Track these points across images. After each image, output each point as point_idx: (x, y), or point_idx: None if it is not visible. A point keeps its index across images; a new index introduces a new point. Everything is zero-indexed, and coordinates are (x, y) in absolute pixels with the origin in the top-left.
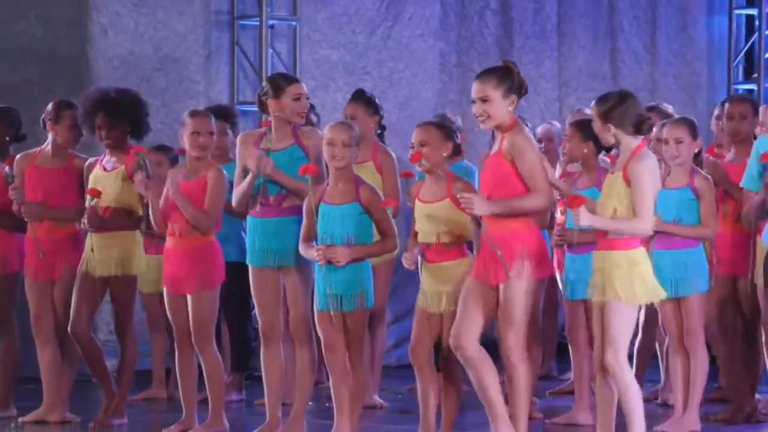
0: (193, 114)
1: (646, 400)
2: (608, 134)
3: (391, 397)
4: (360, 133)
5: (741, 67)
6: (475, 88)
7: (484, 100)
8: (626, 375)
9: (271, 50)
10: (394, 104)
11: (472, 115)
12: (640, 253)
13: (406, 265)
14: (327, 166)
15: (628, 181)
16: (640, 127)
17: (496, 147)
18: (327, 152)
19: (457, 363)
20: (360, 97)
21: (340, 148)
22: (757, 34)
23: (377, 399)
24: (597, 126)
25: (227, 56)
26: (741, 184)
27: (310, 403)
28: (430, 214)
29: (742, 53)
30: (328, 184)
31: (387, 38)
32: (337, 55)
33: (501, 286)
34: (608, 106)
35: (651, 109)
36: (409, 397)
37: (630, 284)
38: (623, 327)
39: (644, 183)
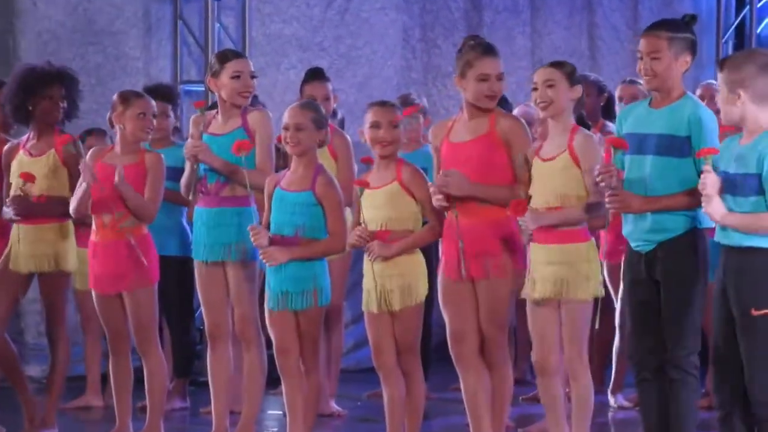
0: (137, 94)
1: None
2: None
3: (350, 404)
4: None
5: (731, 44)
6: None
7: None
8: (589, 377)
9: (218, 24)
10: (352, 84)
11: (438, 96)
12: (592, 245)
13: (352, 240)
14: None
15: (576, 161)
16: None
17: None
18: (282, 135)
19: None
20: (320, 75)
21: (292, 132)
22: (748, 7)
23: (334, 406)
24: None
25: (169, 30)
26: None
27: (261, 410)
28: (376, 199)
29: (732, 28)
30: (289, 169)
31: (344, 12)
32: (290, 30)
33: (483, 284)
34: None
35: (631, 82)
36: (369, 403)
37: (587, 279)
38: (585, 326)
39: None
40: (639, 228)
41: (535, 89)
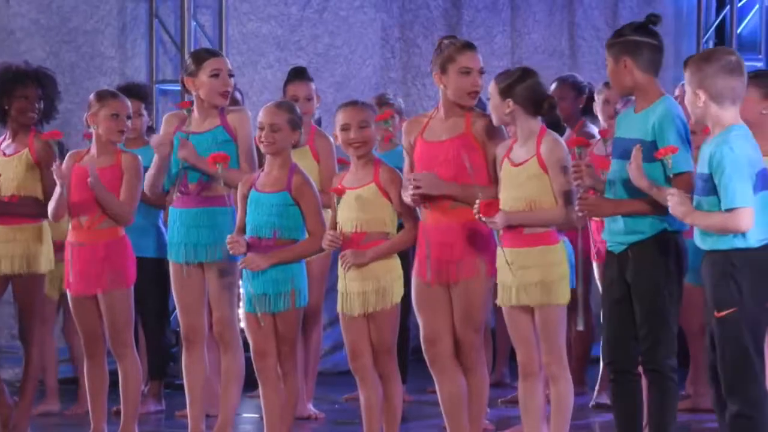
0: (113, 95)
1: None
2: (505, 110)
3: (327, 406)
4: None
5: (711, 43)
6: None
7: None
8: (568, 379)
9: (194, 22)
10: (330, 83)
11: (417, 96)
12: (562, 248)
13: (324, 245)
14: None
15: (544, 167)
16: (539, 108)
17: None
18: (257, 135)
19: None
20: (303, 74)
21: (267, 132)
22: (729, 7)
23: (312, 409)
24: (494, 101)
25: (145, 29)
26: None
27: (238, 414)
28: (352, 200)
29: (713, 28)
30: (263, 170)
31: (323, 10)
32: (267, 29)
33: (457, 286)
34: (509, 82)
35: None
36: (347, 406)
37: (560, 282)
38: (561, 328)
39: (568, 165)
40: (612, 229)
41: None
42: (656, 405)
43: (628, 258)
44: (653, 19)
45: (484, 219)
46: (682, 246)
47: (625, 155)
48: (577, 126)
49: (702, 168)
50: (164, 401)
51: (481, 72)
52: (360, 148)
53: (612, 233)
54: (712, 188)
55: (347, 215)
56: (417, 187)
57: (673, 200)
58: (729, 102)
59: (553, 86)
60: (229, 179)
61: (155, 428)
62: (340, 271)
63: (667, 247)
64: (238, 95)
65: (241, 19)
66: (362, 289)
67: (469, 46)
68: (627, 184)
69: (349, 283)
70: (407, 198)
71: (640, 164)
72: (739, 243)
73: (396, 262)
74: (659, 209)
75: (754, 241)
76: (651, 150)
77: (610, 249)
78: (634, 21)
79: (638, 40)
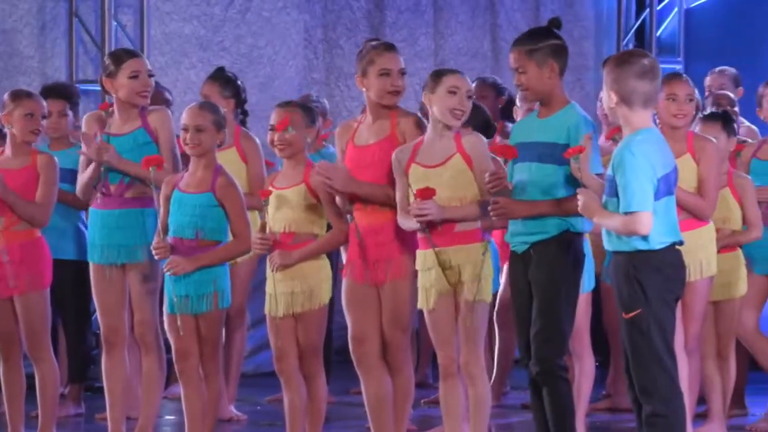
0: (28, 94)
1: None
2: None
3: (249, 408)
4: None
5: (631, 46)
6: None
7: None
8: (486, 378)
9: (115, 22)
10: (254, 84)
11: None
12: (486, 246)
13: (254, 248)
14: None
15: (469, 163)
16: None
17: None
18: (182, 137)
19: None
20: (217, 76)
21: (192, 133)
22: (648, 10)
23: (234, 411)
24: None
25: (64, 28)
26: None
27: (159, 416)
28: (281, 200)
29: (633, 31)
30: (187, 170)
31: (246, 11)
32: (190, 29)
33: (385, 287)
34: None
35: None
36: (269, 408)
37: (482, 281)
38: (482, 327)
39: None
40: (515, 230)
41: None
42: (551, 406)
43: (529, 258)
44: (557, 23)
45: (417, 204)
46: (581, 248)
47: (537, 158)
48: (498, 127)
49: (609, 169)
50: (84, 404)
51: (402, 72)
52: (284, 149)
53: (515, 234)
54: (616, 190)
55: (276, 215)
56: (328, 178)
57: (581, 199)
58: (640, 105)
59: (473, 85)
60: (160, 182)
61: (75, 431)
62: (269, 271)
63: (568, 247)
64: (167, 95)
65: (164, 19)
66: (290, 289)
67: (387, 48)
68: (536, 186)
69: (277, 284)
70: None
71: (588, 156)
72: (641, 245)
73: (325, 263)
74: (570, 211)
75: (655, 243)
76: (562, 152)
77: (513, 249)
78: (539, 26)
79: (562, 45)
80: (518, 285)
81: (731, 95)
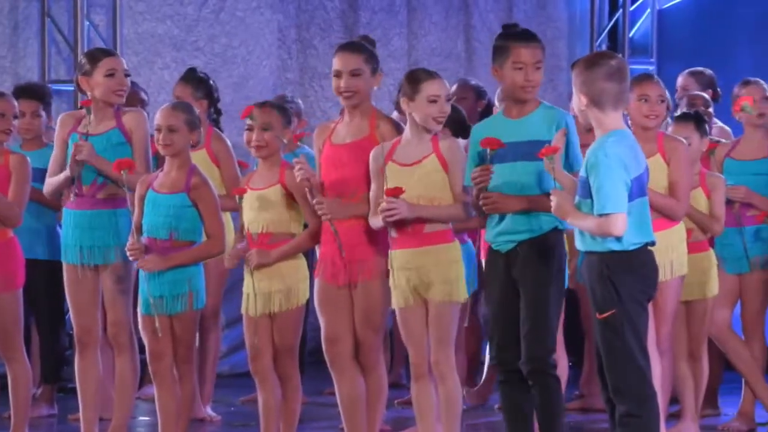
0: (0, 94)
1: None
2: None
3: (224, 409)
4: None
5: (604, 47)
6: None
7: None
8: (457, 378)
9: (88, 22)
10: (227, 84)
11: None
12: (456, 247)
13: (226, 265)
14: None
15: (444, 164)
16: None
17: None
18: (155, 137)
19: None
20: (189, 78)
21: (165, 134)
22: (621, 10)
23: (209, 411)
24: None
25: (37, 28)
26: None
27: (132, 417)
28: (258, 201)
29: (606, 31)
30: (162, 170)
31: (219, 11)
32: (163, 29)
33: (358, 287)
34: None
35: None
36: (243, 409)
37: (453, 281)
38: (452, 327)
39: (464, 161)
40: (501, 229)
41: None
42: (542, 404)
43: (516, 256)
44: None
45: (386, 201)
46: (564, 246)
47: (521, 157)
48: None
49: (582, 171)
50: (57, 405)
51: (353, 74)
52: (260, 150)
53: (500, 232)
54: (589, 191)
55: (253, 216)
56: (324, 214)
57: (554, 200)
58: (610, 106)
59: (454, 87)
60: (132, 184)
61: None
62: (246, 271)
63: (555, 245)
64: (143, 95)
65: (136, 18)
66: (268, 289)
67: (340, 48)
68: (524, 184)
69: (255, 284)
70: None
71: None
72: (614, 245)
73: (302, 263)
74: None
75: (628, 244)
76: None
77: (496, 248)
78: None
79: (494, 45)
80: (499, 284)
81: (706, 96)
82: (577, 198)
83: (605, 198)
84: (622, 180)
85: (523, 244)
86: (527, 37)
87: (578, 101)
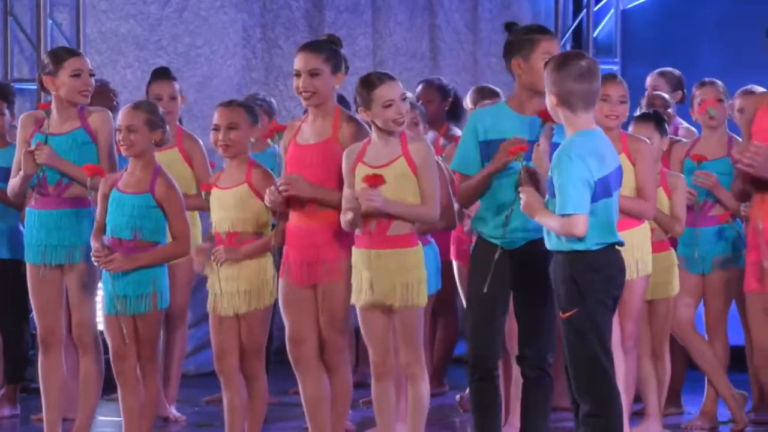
0: None
1: None
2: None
3: (188, 409)
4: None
5: (569, 47)
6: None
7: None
8: (427, 380)
9: (51, 21)
10: (191, 83)
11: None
12: (420, 250)
13: (195, 268)
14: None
15: (413, 167)
16: None
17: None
18: (117, 137)
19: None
20: (168, 74)
21: (125, 134)
22: (585, 10)
23: (173, 411)
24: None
25: None
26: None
27: (96, 417)
28: (225, 199)
29: (570, 31)
30: (126, 170)
31: (183, 9)
32: (126, 28)
33: (321, 288)
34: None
35: (479, 91)
36: (207, 409)
37: (418, 284)
38: (420, 329)
39: (434, 163)
40: (513, 225)
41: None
42: (538, 400)
43: (522, 254)
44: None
45: (366, 190)
46: None
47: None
48: (443, 129)
49: (549, 170)
50: (20, 405)
51: (311, 74)
52: (227, 149)
53: (514, 230)
54: (554, 191)
55: (220, 215)
56: (285, 190)
57: (523, 198)
58: (580, 107)
59: (419, 88)
60: (97, 187)
61: None
62: (213, 270)
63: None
64: (114, 98)
65: (99, 17)
66: (236, 289)
67: (301, 49)
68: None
69: (222, 283)
70: (267, 201)
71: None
72: (578, 246)
73: (269, 263)
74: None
75: (592, 244)
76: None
77: (495, 243)
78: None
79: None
80: (493, 280)
81: (666, 96)
82: (547, 197)
83: (566, 198)
84: (584, 181)
85: (534, 242)
86: (549, 31)
87: (549, 101)
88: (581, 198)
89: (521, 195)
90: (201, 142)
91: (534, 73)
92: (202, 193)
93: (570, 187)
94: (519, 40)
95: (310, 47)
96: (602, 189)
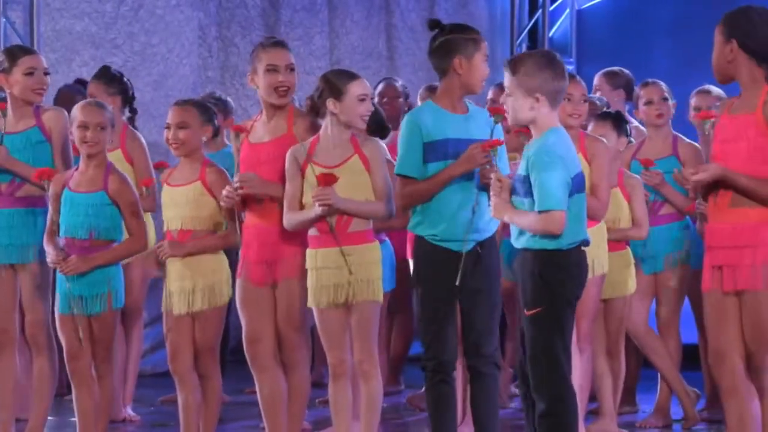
0: None
1: None
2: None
3: (144, 409)
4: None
5: (524, 46)
6: None
7: None
8: (380, 378)
9: (4, 19)
10: (147, 82)
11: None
12: (377, 247)
13: (146, 271)
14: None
15: (366, 165)
16: None
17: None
18: (77, 136)
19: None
20: (100, 75)
21: (94, 132)
22: (541, 10)
23: (129, 412)
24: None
25: None
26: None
27: (50, 418)
28: (176, 197)
29: (526, 31)
30: (77, 169)
31: (138, 8)
32: (81, 26)
33: (280, 286)
34: None
35: (430, 89)
36: (163, 409)
37: (374, 281)
38: (374, 326)
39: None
40: (461, 228)
41: None
42: (492, 395)
43: (477, 254)
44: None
45: (319, 189)
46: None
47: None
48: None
49: (521, 169)
50: None
51: (291, 68)
52: (177, 148)
53: (460, 231)
54: (528, 190)
55: (173, 213)
56: (241, 188)
57: (493, 199)
58: (555, 105)
59: (380, 87)
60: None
61: None
62: (169, 269)
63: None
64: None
65: (54, 15)
66: (190, 287)
67: (274, 44)
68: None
69: (176, 282)
70: (223, 201)
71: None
72: (549, 244)
73: (224, 263)
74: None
75: (565, 243)
76: None
77: (455, 249)
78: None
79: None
80: (446, 283)
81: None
82: (513, 197)
83: (546, 195)
84: (563, 178)
85: (483, 243)
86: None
87: (524, 101)
88: (561, 195)
89: (492, 197)
90: (143, 141)
91: (474, 72)
92: (143, 189)
93: (549, 183)
94: (461, 39)
95: (284, 44)
96: (576, 185)
